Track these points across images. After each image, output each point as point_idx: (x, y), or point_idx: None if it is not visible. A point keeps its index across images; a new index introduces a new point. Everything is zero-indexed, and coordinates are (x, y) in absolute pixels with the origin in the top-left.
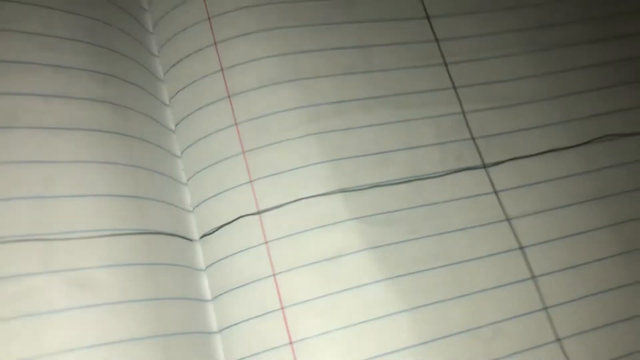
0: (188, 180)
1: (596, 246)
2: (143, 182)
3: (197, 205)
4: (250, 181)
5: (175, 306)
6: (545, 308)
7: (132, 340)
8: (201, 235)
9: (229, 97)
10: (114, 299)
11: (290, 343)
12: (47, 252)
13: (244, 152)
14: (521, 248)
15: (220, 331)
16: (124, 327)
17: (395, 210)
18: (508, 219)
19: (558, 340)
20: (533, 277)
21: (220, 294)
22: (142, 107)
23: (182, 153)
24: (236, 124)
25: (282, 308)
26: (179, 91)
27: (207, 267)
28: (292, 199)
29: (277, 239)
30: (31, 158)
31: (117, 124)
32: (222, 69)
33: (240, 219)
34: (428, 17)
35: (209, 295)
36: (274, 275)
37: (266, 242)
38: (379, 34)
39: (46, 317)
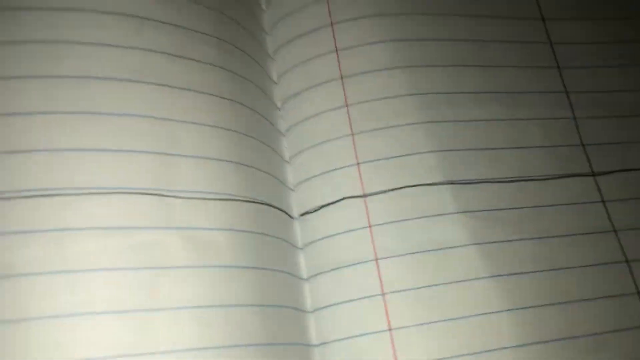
0: (290, 158)
1: None
2: (255, 153)
3: (299, 184)
4: (357, 164)
5: (277, 278)
6: None
7: (238, 306)
8: (302, 213)
9: (341, 78)
10: (227, 262)
11: (390, 330)
12: (167, 207)
13: (352, 135)
14: (627, 261)
15: (313, 311)
16: (233, 291)
17: (502, 209)
18: (615, 230)
19: None
20: (638, 292)
21: (317, 274)
22: (257, 79)
23: (286, 131)
24: (347, 105)
25: (383, 294)
26: (288, 70)
27: (304, 246)
28: (399, 186)
29: (381, 223)
30: (156, 114)
31: (235, 92)
32: (336, 50)
33: (344, 200)
34: (543, 19)
35: (304, 274)
36: (376, 259)
37: (370, 226)
38: (494, 29)
39: (164, 272)
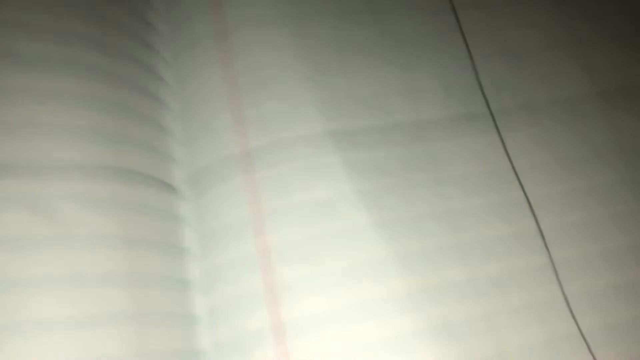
0: (175, 128)
1: (611, 199)
2: (124, 121)
3: (184, 151)
4: (239, 120)
5: (151, 250)
6: (552, 261)
7: (104, 276)
8: (186, 180)
9: (223, 33)
10: (85, 233)
11: (272, 288)
12: (16, 180)
13: (234, 90)
14: (527, 198)
15: (198, 278)
16: (96, 262)
17: (393, 156)
18: (515, 169)
19: (564, 296)
20: (539, 228)
21: (203, 238)
22: (136, 54)
23: (171, 101)
24: (229, 60)
25: (268, 252)
26: (172, 34)
27: (190, 213)
28: (282, 140)
29: (265, 179)
30: (7, 86)
31: (104, 66)
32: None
33: (227, 160)
34: None
35: (189, 243)
36: (261, 217)
37: (254, 184)
38: None
39: (15, 246)
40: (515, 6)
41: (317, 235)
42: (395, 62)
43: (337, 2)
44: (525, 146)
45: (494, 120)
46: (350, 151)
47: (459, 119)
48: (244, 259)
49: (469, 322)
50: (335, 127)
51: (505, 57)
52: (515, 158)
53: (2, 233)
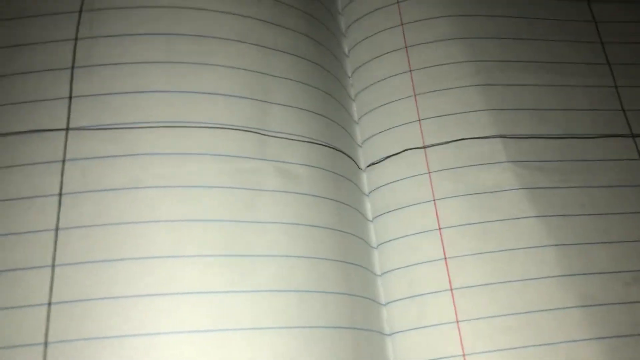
0: (359, 119)
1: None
2: (332, 108)
3: (366, 140)
4: (419, 120)
5: (349, 212)
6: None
7: (317, 227)
8: (368, 164)
9: (406, 47)
10: (307, 191)
11: (445, 258)
12: (262, 143)
13: (415, 95)
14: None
15: (377, 246)
16: (314, 214)
17: (549, 160)
18: None
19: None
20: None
21: (381, 214)
22: (333, 49)
23: (355, 96)
24: (410, 70)
25: (440, 228)
26: (358, 43)
27: (370, 192)
28: (456, 138)
29: (439, 170)
30: (255, 69)
31: (316, 57)
32: (402, 24)
33: (407, 151)
34: (588, 0)
35: (370, 216)
36: (434, 200)
37: (429, 172)
38: (544, 8)
39: (258, 193)
40: None
41: (483, 218)
42: (552, 83)
43: (502, 27)
44: None
45: (634, 142)
46: (515, 152)
47: (605, 137)
48: (424, 231)
49: None
50: (505, 132)
51: None
52: None
53: (256, 184)
